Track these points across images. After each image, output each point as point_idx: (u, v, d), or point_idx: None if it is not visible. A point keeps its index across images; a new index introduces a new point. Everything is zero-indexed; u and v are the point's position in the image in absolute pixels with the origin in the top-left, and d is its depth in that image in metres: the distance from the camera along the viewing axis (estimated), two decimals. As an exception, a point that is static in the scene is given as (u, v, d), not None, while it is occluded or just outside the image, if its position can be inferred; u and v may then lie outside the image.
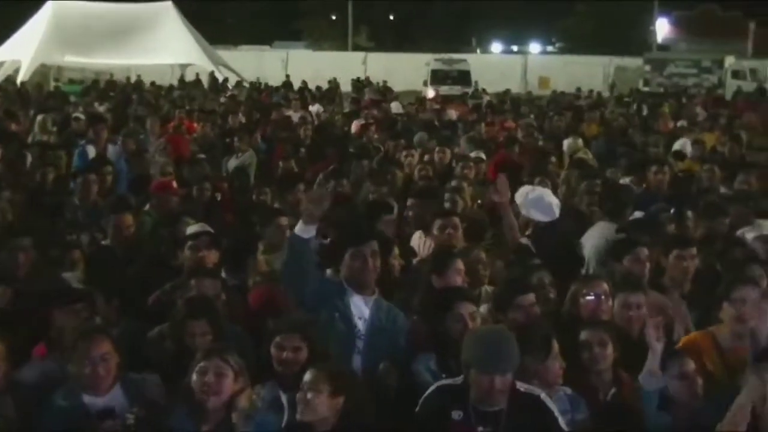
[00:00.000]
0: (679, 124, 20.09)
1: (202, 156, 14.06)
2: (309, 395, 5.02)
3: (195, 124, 18.97)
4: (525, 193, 9.03)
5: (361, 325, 6.16)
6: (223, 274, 7.35)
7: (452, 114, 23.63)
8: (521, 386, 5.19)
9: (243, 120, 19.99)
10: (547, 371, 5.52)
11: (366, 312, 6.20)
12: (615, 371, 5.83)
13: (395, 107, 24.97)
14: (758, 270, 7.07)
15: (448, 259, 7.02)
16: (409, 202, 9.46)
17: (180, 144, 15.36)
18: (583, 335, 5.88)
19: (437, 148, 13.96)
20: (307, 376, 5.10)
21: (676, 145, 15.61)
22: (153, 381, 5.58)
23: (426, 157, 13.69)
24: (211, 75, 38.68)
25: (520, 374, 5.28)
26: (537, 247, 8.22)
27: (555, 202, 8.90)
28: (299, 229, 6.09)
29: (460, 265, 6.93)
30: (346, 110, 25.23)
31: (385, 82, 41.96)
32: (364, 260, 6.22)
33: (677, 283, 7.30)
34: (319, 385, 5.02)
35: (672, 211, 9.19)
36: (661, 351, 5.57)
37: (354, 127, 19.14)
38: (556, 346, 5.59)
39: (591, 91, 38.69)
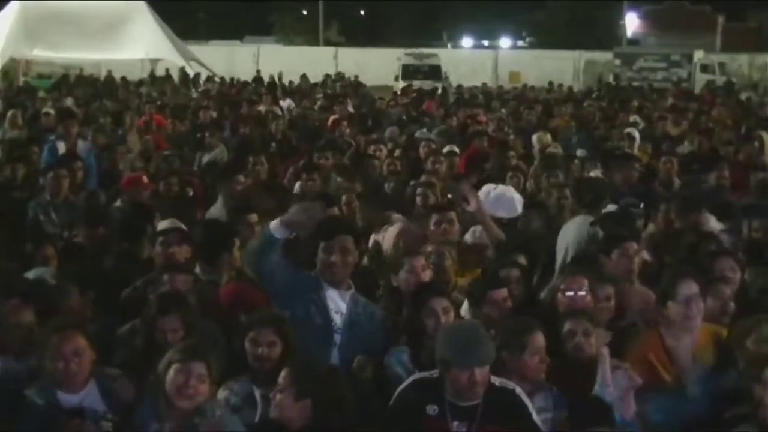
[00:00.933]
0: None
1: (168, 152, 13.98)
2: (278, 395, 5.01)
3: (166, 120, 18.89)
4: (487, 192, 9.07)
5: (338, 319, 6.14)
6: (198, 269, 7.34)
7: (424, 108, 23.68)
8: (495, 380, 5.18)
9: (214, 115, 19.92)
10: (525, 367, 5.50)
11: (343, 306, 6.18)
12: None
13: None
14: (729, 263, 7.14)
15: (405, 258, 7.06)
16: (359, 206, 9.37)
17: (157, 141, 15.34)
18: (568, 325, 5.90)
19: (423, 143, 13.99)
20: (281, 375, 5.09)
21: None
22: (124, 378, 5.57)
23: (396, 152, 13.73)
24: (182, 70, 38.53)
25: (498, 370, 5.29)
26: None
27: (517, 197, 8.93)
28: (274, 227, 6.07)
29: (419, 263, 6.93)
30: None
31: (356, 76, 41.96)
32: (334, 255, 6.21)
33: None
34: (287, 386, 4.99)
35: (641, 205, 9.25)
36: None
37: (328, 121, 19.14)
38: (536, 341, 5.54)
39: (560, 85, 38.85)
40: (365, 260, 8.07)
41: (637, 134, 15.30)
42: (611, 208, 8.99)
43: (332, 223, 6.80)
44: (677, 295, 6.04)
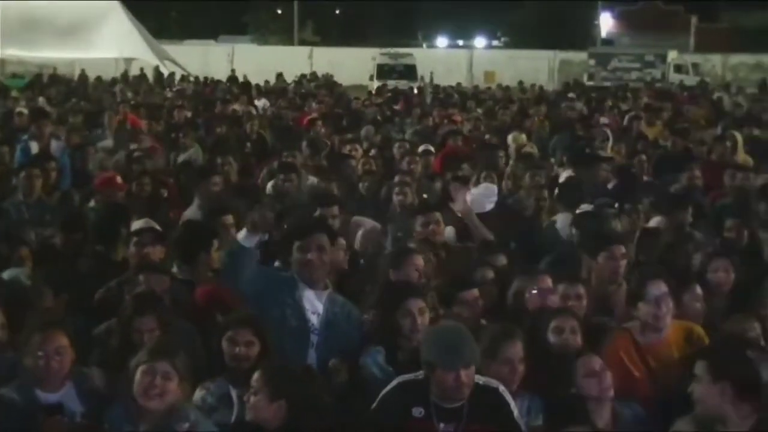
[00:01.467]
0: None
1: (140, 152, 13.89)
2: (252, 397, 5.00)
3: (140, 120, 18.80)
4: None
5: (315, 319, 6.12)
6: (175, 269, 7.33)
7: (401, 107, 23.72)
8: (480, 379, 5.18)
9: (189, 115, 19.86)
10: (495, 375, 5.47)
11: (319, 306, 6.18)
12: None
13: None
14: (724, 263, 7.22)
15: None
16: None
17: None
18: (556, 321, 5.93)
19: (397, 143, 14.01)
20: (254, 377, 5.08)
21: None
22: (100, 377, 5.56)
23: (372, 152, 13.74)
24: (156, 69, 38.38)
25: (480, 371, 5.27)
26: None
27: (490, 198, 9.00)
28: (242, 236, 6.08)
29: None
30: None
31: (331, 76, 41.93)
32: (310, 253, 6.19)
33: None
34: (261, 388, 5.00)
35: (616, 205, 9.29)
36: None
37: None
38: (510, 350, 5.54)
39: (532, 85, 38.95)
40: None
41: (609, 133, 15.38)
42: (586, 208, 9.03)
43: (307, 221, 6.79)
44: (646, 295, 6.10)
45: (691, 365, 5.19)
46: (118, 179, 10.62)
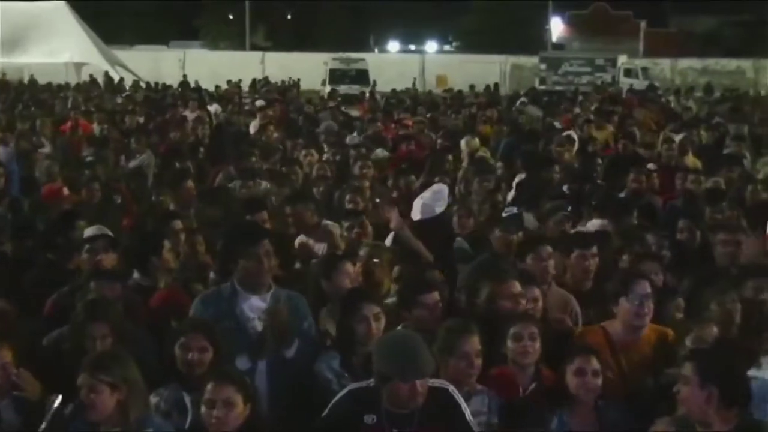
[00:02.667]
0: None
1: (91, 158, 13.80)
2: (215, 411, 4.97)
3: (92, 125, 18.67)
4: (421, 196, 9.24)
5: (259, 325, 6.06)
6: (135, 275, 7.32)
7: (354, 113, 23.74)
8: (431, 381, 5.16)
9: (140, 120, 19.76)
10: (453, 370, 5.53)
11: (264, 309, 6.11)
12: (536, 367, 5.93)
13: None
14: (654, 266, 7.28)
15: (337, 262, 7.07)
16: (288, 208, 9.32)
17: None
18: (515, 328, 5.94)
19: (352, 148, 14.07)
20: (208, 389, 5.04)
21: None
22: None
23: (325, 156, 13.76)
24: (107, 75, 38.10)
25: (436, 371, 5.30)
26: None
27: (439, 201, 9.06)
28: None
29: (348, 268, 6.96)
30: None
31: (284, 81, 41.85)
32: (259, 260, 6.12)
33: (578, 281, 7.42)
34: (229, 398, 4.99)
35: (569, 209, 9.37)
36: None
37: (252, 127, 19.07)
38: (467, 345, 5.58)
39: (487, 86, 39.09)
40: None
41: (575, 137, 15.52)
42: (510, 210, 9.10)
43: (253, 228, 6.75)
44: (631, 293, 6.17)
45: (663, 368, 5.26)
46: (65, 190, 10.53)
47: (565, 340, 6.29)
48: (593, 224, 9.03)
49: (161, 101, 27.45)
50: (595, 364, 5.70)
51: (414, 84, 45.27)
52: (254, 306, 6.10)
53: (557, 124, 19.69)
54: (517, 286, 6.59)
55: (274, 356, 5.90)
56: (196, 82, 38.51)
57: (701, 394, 4.92)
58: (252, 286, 6.14)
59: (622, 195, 10.70)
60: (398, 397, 5.01)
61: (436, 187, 9.26)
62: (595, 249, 7.45)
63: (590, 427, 5.57)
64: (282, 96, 31.80)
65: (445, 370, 5.51)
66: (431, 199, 8.85)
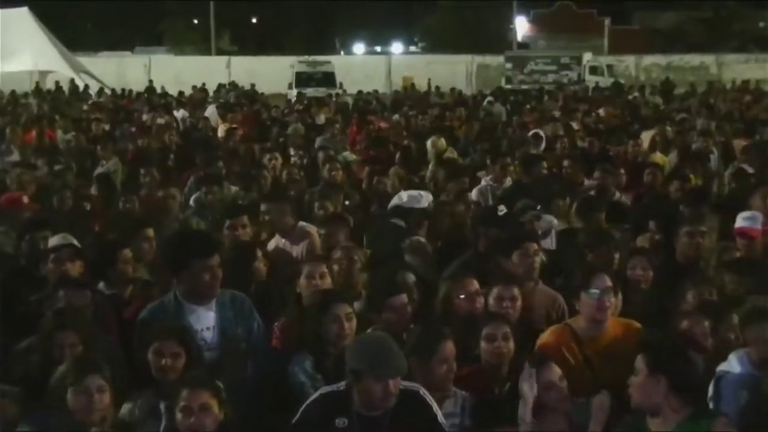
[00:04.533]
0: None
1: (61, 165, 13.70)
2: (192, 419, 4.97)
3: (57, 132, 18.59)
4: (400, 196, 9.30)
5: (208, 335, 6.02)
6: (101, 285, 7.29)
7: (321, 117, 23.66)
8: (402, 384, 5.16)
9: (107, 128, 19.67)
10: (432, 374, 5.54)
11: (211, 318, 6.06)
12: (511, 366, 5.92)
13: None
14: (643, 260, 7.38)
15: (308, 263, 7.10)
16: (263, 207, 9.25)
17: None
18: (488, 329, 5.96)
19: (320, 150, 14.08)
20: (184, 393, 5.04)
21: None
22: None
23: (292, 159, 13.76)
24: (72, 82, 37.88)
25: (406, 375, 5.28)
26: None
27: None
28: None
29: (320, 269, 6.93)
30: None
31: (253, 85, 41.73)
32: (210, 273, 6.02)
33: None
34: (204, 404, 5.00)
35: (538, 207, 9.38)
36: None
37: (220, 131, 19.02)
38: (445, 349, 5.59)
39: (452, 89, 39.19)
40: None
41: (543, 135, 15.57)
42: (502, 209, 9.11)
43: (206, 239, 6.68)
44: (591, 287, 6.18)
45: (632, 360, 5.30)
46: (25, 199, 10.44)
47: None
48: (545, 220, 9.04)
49: (128, 107, 27.31)
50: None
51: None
52: (201, 317, 6.04)
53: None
54: (473, 285, 6.63)
55: (231, 379, 5.78)
56: (162, 87, 38.37)
57: (651, 382, 4.99)
58: (199, 297, 6.05)
59: (590, 193, 10.72)
60: (371, 397, 5.02)
61: (416, 192, 9.38)
62: (536, 246, 7.39)
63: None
64: (249, 101, 31.72)
65: (421, 374, 5.50)
66: (411, 201, 8.97)
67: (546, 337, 6.29)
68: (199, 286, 6.01)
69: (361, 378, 5.02)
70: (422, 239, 8.65)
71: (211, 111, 24.82)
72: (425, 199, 9.50)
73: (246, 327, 6.17)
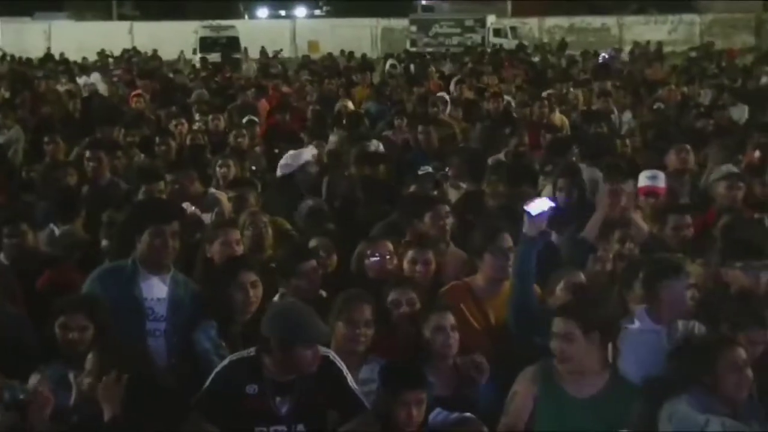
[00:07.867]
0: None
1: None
2: (86, 380, 4.98)
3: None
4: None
5: (159, 307, 6.01)
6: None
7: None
8: None
9: (6, 95, 19.25)
10: (345, 338, 5.58)
11: (164, 291, 6.06)
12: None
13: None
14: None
15: (222, 228, 7.08)
16: (169, 176, 9.09)
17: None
18: (392, 295, 6.04)
19: (211, 116, 13.98)
20: (88, 360, 5.05)
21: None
22: None
23: (196, 125, 13.68)
24: (-32, 49, 37.01)
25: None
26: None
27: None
28: None
29: (235, 235, 6.97)
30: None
31: (155, 51, 41.07)
32: (164, 239, 6.02)
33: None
34: (95, 370, 5.00)
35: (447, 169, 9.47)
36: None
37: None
38: (357, 313, 5.62)
39: (351, 52, 38.98)
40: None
41: (447, 98, 15.68)
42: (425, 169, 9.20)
43: (165, 206, 6.65)
44: (495, 246, 6.26)
45: None
46: None
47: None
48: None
49: (27, 74, 26.70)
50: (451, 319, 5.79)
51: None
52: (154, 286, 6.04)
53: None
54: (386, 246, 6.70)
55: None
56: (62, 54, 37.56)
57: (587, 343, 5.14)
58: (154, 265, 6.05)
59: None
60: (297, 364, 5.00)
61: (296, 152, 9.58)
62: (447, 208, 7.51)
63: (452, 382, 5.68)
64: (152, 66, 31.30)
65: (335, 338, 5.56)
66: (291, 158, 9.06)
67: (446, 293, 6.35)
68: (153, 252, 6.01)
69: (289, 344, 4.99)
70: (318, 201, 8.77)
71: (95, 77, 24.41)
72: (308, 152, 9.61)
73: (192, 309, 6.11)
